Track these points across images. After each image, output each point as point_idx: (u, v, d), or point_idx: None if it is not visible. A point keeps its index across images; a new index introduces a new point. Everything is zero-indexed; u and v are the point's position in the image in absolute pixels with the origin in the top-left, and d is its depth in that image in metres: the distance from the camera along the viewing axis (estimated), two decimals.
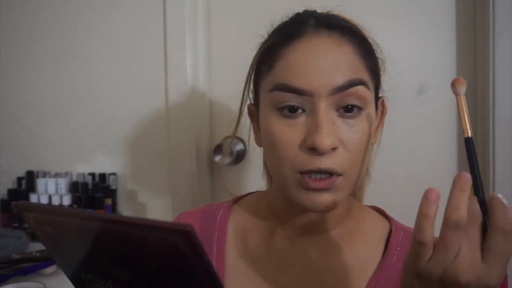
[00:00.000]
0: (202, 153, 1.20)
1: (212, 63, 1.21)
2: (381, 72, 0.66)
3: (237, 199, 0.76)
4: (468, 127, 0.48)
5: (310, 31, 0.60)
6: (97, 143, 1.26)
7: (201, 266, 0.37)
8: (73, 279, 0.50)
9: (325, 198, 0.58)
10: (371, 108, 0.61)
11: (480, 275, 0.42)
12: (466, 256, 0.42)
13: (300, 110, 0.58)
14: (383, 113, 0.68)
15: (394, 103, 1.11)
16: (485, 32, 1.01)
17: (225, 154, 1.13)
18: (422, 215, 0.44)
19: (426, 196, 0.44)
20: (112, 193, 1.22)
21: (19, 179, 1.28)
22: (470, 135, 0.47)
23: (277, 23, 0.66)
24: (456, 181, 0.44)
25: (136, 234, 0.39)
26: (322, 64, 0.57)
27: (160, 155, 1.22)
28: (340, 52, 0.59)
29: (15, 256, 1.02)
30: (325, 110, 0.57)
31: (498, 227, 0.42)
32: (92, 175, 1.24)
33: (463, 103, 0.50)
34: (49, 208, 0.49)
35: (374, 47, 0.64)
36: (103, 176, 1.24)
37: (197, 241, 0.35)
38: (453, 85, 0.54)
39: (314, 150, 0.56)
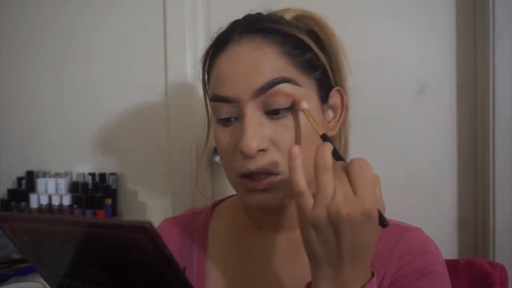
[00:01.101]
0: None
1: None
2: (329, 63, 0.65)
3: (217, 203, 0.78)
4: (318, 128, 0.57)
5: (233, 40, 0.62)
6: (97, 143, 1.26)
7: (164, 259, 0.39)
8: (51, 285, 0.51)
9: (266, 198, 0.60)
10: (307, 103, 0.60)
11: (356, 204, 0.47)
12: (340, 194, 0.48)
13: (233, 118, 0.61)
14: (342, 103, 0.67)
15: (394, 103, 1.11)
16: (485, 32, 1.01)
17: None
18: (291, 169, 0.50)
19: (290, 152, 0.51)
20: (112, 193, 1.22)
21: (19, 179, 1.28)
22: (322, 132, 0.57)
23: (215, 35, 0.67)
24: (317, 147, 0.50)
25: (104, 235, 0.41)
26: (242, 70, 0.60)
27: (160, 155, 1.22)
28: (260, 54, 0.60)
29: (15, 256, 1.02)
30: (251, 113, 0.59)
31: (354, 163, 0.49)
32: (92, 175, 1.24)
33: (310, 114, 0.58)
34: (20, 216, 0.51)
35: (313, 41, 0.63)
36: (103, 176, 1.24)
37: (157, 236, 0.38)
38: (298, 105, 0.59)
39: (244, 154, 0.58)
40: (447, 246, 1.10)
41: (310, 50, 0.63)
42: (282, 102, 0.59)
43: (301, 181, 0.49)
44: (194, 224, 0.74)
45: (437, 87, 1.09)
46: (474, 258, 0.83)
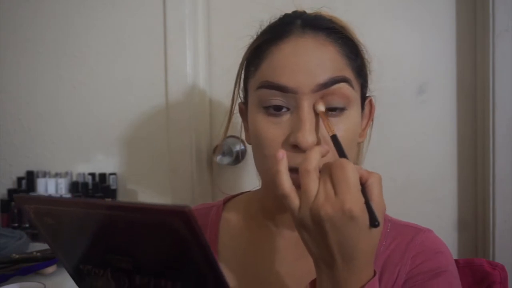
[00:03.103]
0: (202, 153, 1.20)
1: (212, 63, 1.21)
2: (368, 73, 0.67)
3: (229, 199, 0.78)
4: (330, 129, 0.57)
5: (296, 32, 0.62)
6: (97, 143, 1.26)
7: (198, 246, 0.38)
8: (72, 272, 0.50)
9: None
10: (355, 107, 0.62)
11: (335, 204, 0.47)
12: (321, 195, 0.48)
13: (284, 109, 0.60)
14: (371, 112, 0.69)
15: (394, 103, 1.11)
16: (485, 32, 1.01)
17: (220, 153, 1.13)
18: (276, 172, 0.51)
19: (276, 156, 0.52)
20: (112, 193, 1.22)
21: (19, 179, 1.28)
22: (334, 133, 0.56)
23: (266, 23, 0.67)
24: (306, 152, 0.52)
25: (134, 218, 0.40)
26: (306, 63, 0.59)
27: (160, 155, 1.22)
28: (324, 51, 0.60)
29: (15, 256, 1.02)
30: (308, 107, 0.58)
31: (335, 164, 0.49)
32: (92, 175, 1.24)
33: (324, 116, 0.58)
34: (48, 198, 0.50)
35: (361, 48, 0.66)
36: (103, 176, 1.24)
37: (195, 221, 0.36)
38: (315, 106, 0.59)
39: (297, 147, 0.57)
40: (447, 247, 1.10)
41: (360, 57, 0.64)
42: (338, 101, 0.59)
43: (286, 184, 0.50)
44: (205, 219, 0.74)
45: (437, 87, 1.09)
46: (474, 258, 0.83)
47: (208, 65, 1.21)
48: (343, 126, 0.60)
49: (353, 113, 0.61)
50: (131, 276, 0.44)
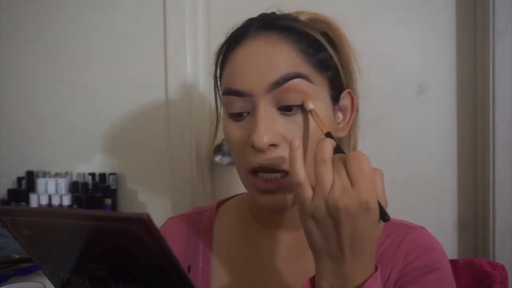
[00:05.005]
0: (202, 153, 1.20)
1: (212, 63, 1.21)
2: (340, 66, 0.66)
3: (222, 202, 0.78)
4: (323, 127, 0.58)
5: (249, 35, 0.63)
6: (97, 143, 1.26)
7: (162, 252, 0.39)
8: (54, 282, 0.51)
9: (277, 198, 0.61)
10: (319, 102, 0.61)
11: (353, 196, 0.47)
12: (338, 186, 0.48)
13: (245, 113, 0.62)
14: (353, 106, 0.68)
15: (394, 103, 1.11)
16: (485, 32, 1.01)
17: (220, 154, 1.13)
18: (291, 160, 0.51)
19: (291, 144, 0.52)
20: (112, 193, 1.22)
21: (19, 179, 1.28)
22: (327, 131, 0.57)
23: (231, 30, 0.68)
24: (318, 141, 0.51)
25: (101, 227, 0.41)
26: (257, 64, 0.60)
27: (160, 155, 1.22)
28: (276, 50, 0.61)
29: (15, 256, 1.02)
30: (263, 108, 0.59)
31: (350, 156, 0.49)
32: (92, 175, 1.24)
33: (316, 114, 0.59)
34: (21, 210, 0.50)
35: (325, 42, 0.64)
36: (103, 176, 1.24)
37: (155, 229, 0.38)
38: (304, 105, 0.60)
39: (255, 148, 0.58)
40: (447, 247, 1.08)
41: (324, 50, 0.64)
42: (295, 98, 0.59)
43: (301, 172, 0.50)
44: (199, 223, 0.75)
45: (437, 87, 1.09)
46: (474, 258, 0.83)
47: (208, 65, 1.21)
48: (304, 122, 0.60)
49: (316, 108, 0.60)
50: (107, 283, 0.45)
